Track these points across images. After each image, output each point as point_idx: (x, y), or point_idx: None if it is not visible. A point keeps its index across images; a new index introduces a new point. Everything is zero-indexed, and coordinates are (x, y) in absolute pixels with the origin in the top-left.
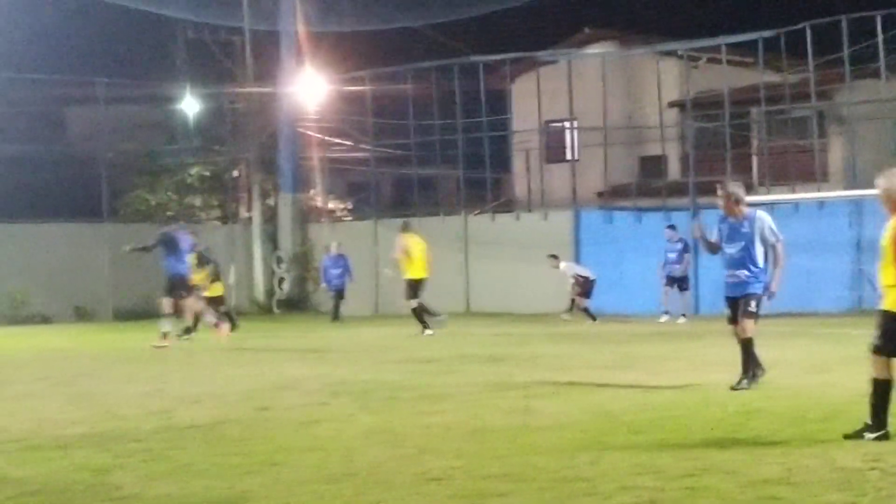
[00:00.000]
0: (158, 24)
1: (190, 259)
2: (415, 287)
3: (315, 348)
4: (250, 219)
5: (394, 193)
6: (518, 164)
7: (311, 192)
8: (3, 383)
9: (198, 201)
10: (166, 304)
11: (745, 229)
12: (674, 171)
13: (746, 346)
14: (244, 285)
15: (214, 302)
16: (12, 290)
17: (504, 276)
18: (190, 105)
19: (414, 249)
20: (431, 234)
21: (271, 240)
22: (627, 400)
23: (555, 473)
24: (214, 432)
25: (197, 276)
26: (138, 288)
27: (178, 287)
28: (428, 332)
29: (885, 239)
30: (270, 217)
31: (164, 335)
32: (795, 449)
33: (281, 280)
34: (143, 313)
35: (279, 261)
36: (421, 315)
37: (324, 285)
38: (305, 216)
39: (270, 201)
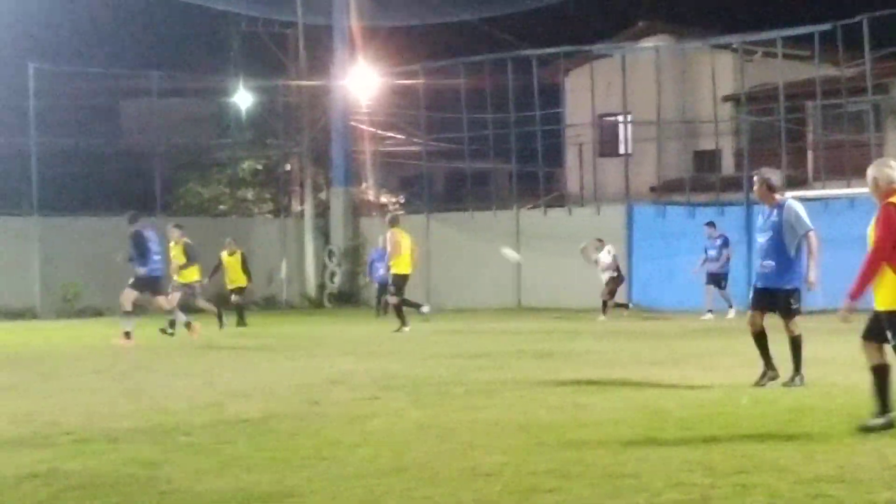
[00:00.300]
0: (213, 18)
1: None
2: (400, 282)
3: (365, 343)
4: (302, 212)
5: (446, 187)
6: (571, 158)
7: (364, 185)
8: (55, 376)
9: (250, 195)
10: (163, 301)
11: (775, 218)
12: (728, 165)
13: (796, 342)
14: (295, 279)
15: (237, 292)
16: (66, 284)
17: (556, 271)
18: (243, 98)
19: (403, 244)
20: (483, 229)
21: (323, 234)
22: (677, 396)
23: (604, 469)
24: (264, 426)
25: (188, 272)
26: None
27: (148, 285)
28: (406, 329)
29: (871, 229)
30: (322, 211)
31: (188, 325)
32: (848, 446)
33: (332, 274)
34: (197, 307)
35: (331, 255)
36: (401, 311)
37: (368, 278)
38: (357, 210)
39: (322, 195)
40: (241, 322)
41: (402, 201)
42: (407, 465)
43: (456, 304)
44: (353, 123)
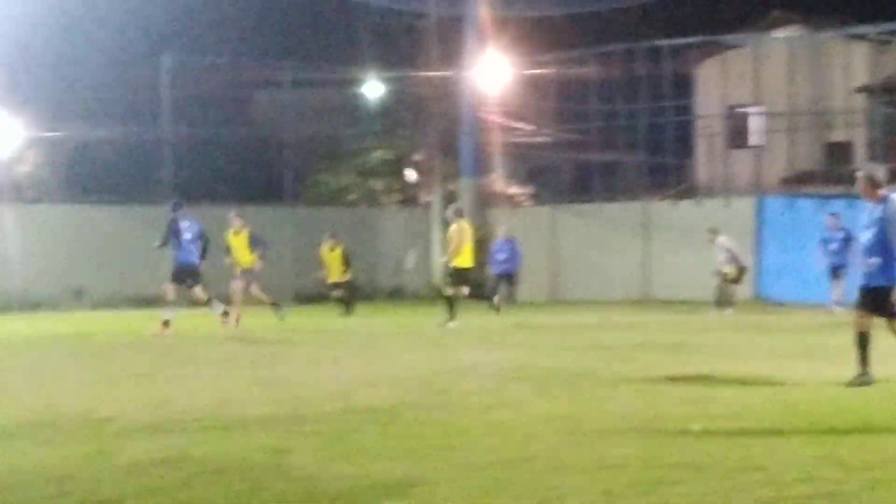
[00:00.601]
0: (344, 9)
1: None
2: (460, 276)
3: (492, 333)
4: (430, 203)
5: (574, 178)
6: (701, 149)
7: (492, 176)
8: (187, 363)
9: (379, 185)
10: (170, 290)
11: (879, 214)
12: (861, 157)
13: None
14: (422, 269)
15: (338, 286)
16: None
17: (685, 263)
18: (373, 89)
19: (467, 237)
20: (611, 220)
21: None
22: (807, 390)
23: (732, 462)
24: (392, 415)
25: (248, 258)
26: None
27: (184, 276)
28: (451, 324)
29: None
30: (450, 201)
31: (166, 323)
32: None
33: None
34: (325, 297)
35: None
36: (452, 304)
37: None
38: (485, 201)
39: (451, 186)
40: (348, 311)
41: (531, 192)
42: (534, 455)
43: (583, 295)
44: (482, 114)
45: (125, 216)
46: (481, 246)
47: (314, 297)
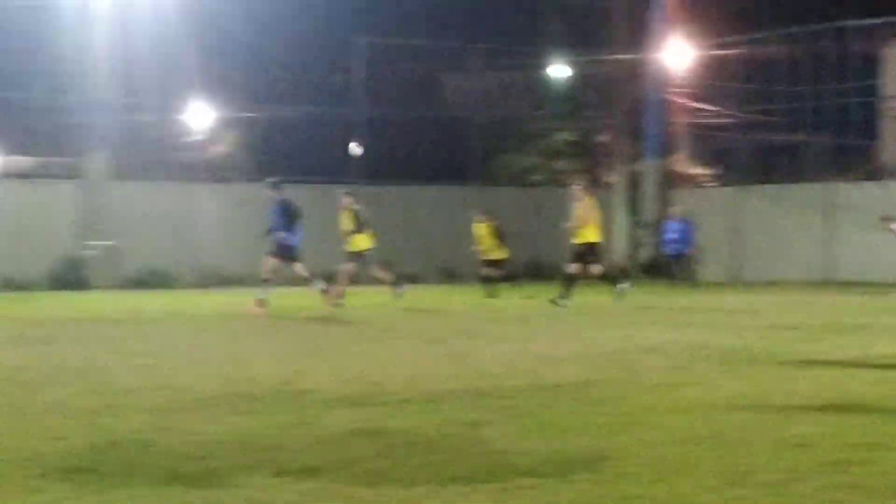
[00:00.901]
0: None
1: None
2: (585, 252)
3: (674, 313)
4: (614, 184)
5: (757, 160)
6: (887, 130)
7: (675, 157)
8: (376, 340)
9: (564, 166)
10: (299, 268)
11: None
12: None
13: None
14: (603, 250)
15: (496, 264)
16: (385, 250)
17: (868, 245)
18: (559, 71)
19: (594, 213)
20: (794, 202)
21: (634, 205)
22: None
23: None
24: (580, 392)
25: (357, 239)
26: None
27: (287, 255)
28: (565, 302)
29: None
30: (634, 183)
31: (324, 291)
32: None
33: (642, 245)
34: (507, 276)
35: (641, 226)
36: (571, 282)
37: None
38: (669, 182)
39: (635, 166)
40: (491, 294)
41: (714, 174)
42: (720, 433)
43: (765, 276)
44: (667, 96)
45: (315, 195)
46: (657, 227)
47: (497, 277)
